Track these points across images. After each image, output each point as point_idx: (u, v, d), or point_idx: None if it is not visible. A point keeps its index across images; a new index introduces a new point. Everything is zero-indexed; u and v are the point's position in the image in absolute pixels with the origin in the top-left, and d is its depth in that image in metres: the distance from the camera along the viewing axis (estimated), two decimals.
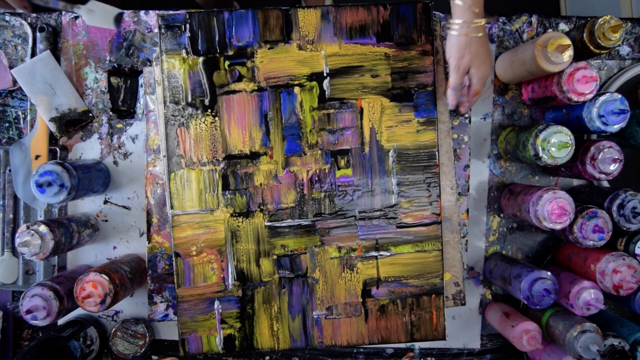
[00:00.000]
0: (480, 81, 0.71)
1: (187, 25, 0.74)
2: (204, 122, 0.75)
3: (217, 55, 0.75)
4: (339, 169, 0.76)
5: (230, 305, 0.76)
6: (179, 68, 0.75)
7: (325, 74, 0.76)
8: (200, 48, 0.75)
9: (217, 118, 0.75)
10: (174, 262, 0.76)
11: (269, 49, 0.76)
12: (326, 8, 0.75)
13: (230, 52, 0.75)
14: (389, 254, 0.77)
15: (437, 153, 0.76)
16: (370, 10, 0.75)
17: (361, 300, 0.77)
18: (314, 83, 0.76)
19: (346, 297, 0.77)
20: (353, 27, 0.76)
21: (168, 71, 0.75)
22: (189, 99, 0.75)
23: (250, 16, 0.75)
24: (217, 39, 0.75)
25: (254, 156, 0.76)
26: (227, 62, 0.75)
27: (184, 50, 0.75)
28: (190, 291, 0.76)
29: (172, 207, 0.75)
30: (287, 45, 0.76)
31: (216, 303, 0.76)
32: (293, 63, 0.76)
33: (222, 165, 0.75)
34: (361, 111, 0.76)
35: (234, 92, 0.75)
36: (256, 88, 0.76)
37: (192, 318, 0.76)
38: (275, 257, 0.76)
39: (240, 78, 0.75)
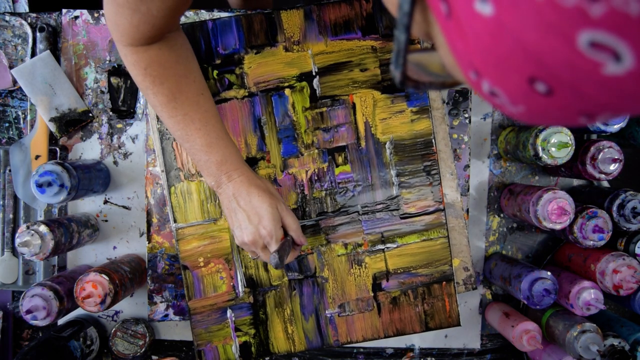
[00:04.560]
0: None
1: None
2: None
3: (205, 65, 0.75)
4: (337, 166, 0.76)
5: (243, 312, 0.76)
6: None
7: (314, 73, 0.76)
8: None
9: None
10: (182, 276, 0.75)
11: (255, 53, 0.75)
12: (309, 7, 0.75)
13: (218, 61, 0.75)
14: (395, 245, 0.76)
15: (433, 140, 0.76)
16: (352, 5, 0.75)
17: (372, 294, 0.76)
18: (304, 83, 0.76)
19: (357, 292, 0.76)
20: (337, 23, 0.75)
21: None
22: None
23: (233, 23, 0.75)
24: (203, 49, 0.75)
25: (251, 162, 0.76)
26: (215, 72, 0.75)
27: None
28: (201, 302, 0.76)
29: (175, 221, 0.75)
30: (274, 48, 0.75)
31: (228, 312, 0.76)
32: (281, 65, 0.76)
33: None
34: (354, 106, 0.76)
35: (225, 100, 0.75)
36: (247, 94, 0.75)
37: (206, 329, 0.76)
38: None
39: (230, 86, 0.75)
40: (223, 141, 0.66)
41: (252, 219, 0.64)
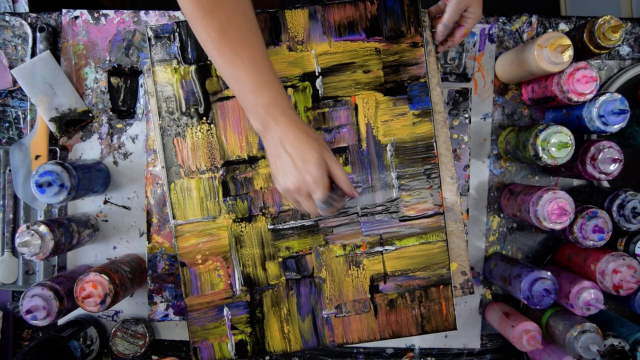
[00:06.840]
0: (474, 22, 0.71)
1: (176, 35, 0.74)
2: (199, 131, 0.75)
3: (208, 62, 0.75)
4: None
5: (240, 310, 0.76)
6: (171, 78, 0.75)
7: (317, 74, 0.76)
8: (190, 56, 0.75)
9: (212, 125, 0.75)
10: (180, 272, 0.76)
11: None
12: (313, 7, 0.75)
13: None
14: (394, 248, 0.76)
15: (434, 144, 0.76)
16: (357, 7, 0.75)
17: (369, 296, 0.77)
18: (307, 83, 0.76)
19: (354, 294, 0.77)
20: (341, 24, 0.76)
21: (160, 82, 0.74)
22: (183, 109, 0.75)
23: None
24: None
25: (252, 160, 0.76)
26: None
27: (175, 60, 0.74)
28: (198, 300, 0.76)
29: (174, 217, 0.75)
30: (277, 47, 0.75)
31: (225, 310, 0.76)
32: (284, 65, 0.76)
33: (221, 172, 0.75)
34: (356, 108, 0.76)
35: (228, 98, 0.75)
36: None
37: (202, 326, 0.76)
38: (280, 259, 0.76)
39: None
40: (273, 84, 0.63)
41: (297, 164, 0.62)
